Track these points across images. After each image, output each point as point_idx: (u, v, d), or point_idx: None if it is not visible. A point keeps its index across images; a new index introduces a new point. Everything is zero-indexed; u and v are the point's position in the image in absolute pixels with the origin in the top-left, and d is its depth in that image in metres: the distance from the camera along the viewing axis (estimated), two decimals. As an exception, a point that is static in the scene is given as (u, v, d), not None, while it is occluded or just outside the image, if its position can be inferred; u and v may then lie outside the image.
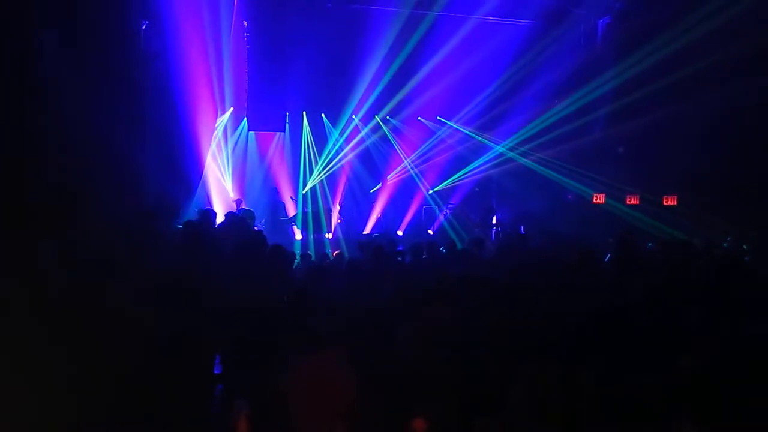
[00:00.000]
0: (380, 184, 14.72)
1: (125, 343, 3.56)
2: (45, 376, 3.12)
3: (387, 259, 7.42)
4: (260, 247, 5.94)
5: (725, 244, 9.34)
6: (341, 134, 14.39)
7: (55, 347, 3.23)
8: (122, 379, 3.40)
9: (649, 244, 8.72)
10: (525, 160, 14.32)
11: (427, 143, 15.04)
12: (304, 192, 14.09)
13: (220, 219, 8.68)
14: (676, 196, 13.41)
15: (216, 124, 12.24)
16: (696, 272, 6.42)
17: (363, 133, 14.65)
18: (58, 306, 3.44)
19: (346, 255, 8.70)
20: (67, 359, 3.23)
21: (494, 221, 14.19)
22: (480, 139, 14.83)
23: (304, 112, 14.17)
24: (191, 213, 8.67)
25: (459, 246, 10.04)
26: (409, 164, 14.82)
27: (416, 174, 14.81)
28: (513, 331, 4.29)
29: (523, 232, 12.82)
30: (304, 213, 13.02)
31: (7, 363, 3.02)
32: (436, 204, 14.74)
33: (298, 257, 8.40)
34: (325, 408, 3.66)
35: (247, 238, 6.42)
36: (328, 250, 10.80)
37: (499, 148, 14.57)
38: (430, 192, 14.88)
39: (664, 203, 13.47)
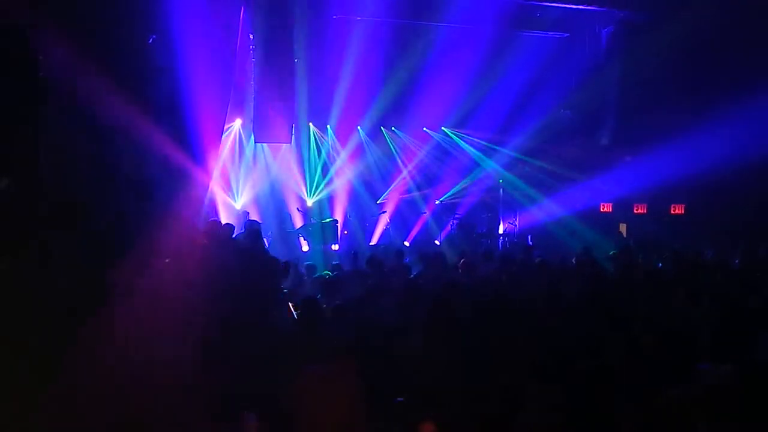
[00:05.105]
0: (386, 193, 14.73)
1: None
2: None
3: (392, 272, 7.42)
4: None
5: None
6: (346, 145, 14.42)
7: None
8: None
9: (659, 264, 8.67)
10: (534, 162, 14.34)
11: (432, 154, 15.08)
12: (310, 203, 14.09)
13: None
14: (684, 205, 13.35)
15: (223, 137, 12.26)
16: (708, 285, 6.40)
17: (367, 144, 14.70)
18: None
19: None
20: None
21: (501, 232, 14.16)
22: (480, 158, 14.89)
23: (310, 124, 14.22)
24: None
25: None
26: (411, 178, 14.85)
27: (420, 195, 14.83)
28: (523, 346, 4.27)
29: (530, 242, 12.78)
30: (311, 224, 13.01)
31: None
32: (442, 215, 14.71)
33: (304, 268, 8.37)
34: (333, 420, 3.62)
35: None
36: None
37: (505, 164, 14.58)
38: (437, 202, 14.87)
39: (672, 212, 13.42)
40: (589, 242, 10.92)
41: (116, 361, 3.47)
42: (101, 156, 6.05)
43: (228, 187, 13.31)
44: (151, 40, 8.19)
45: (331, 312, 5.09)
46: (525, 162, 14.49)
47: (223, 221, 10.13)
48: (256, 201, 13.55)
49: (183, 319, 4.19)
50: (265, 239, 9.89)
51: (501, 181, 14.45)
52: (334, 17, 12.65)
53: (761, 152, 10.90)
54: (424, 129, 14.97)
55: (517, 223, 14.31)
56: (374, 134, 14.80)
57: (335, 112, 13.95)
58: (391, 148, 14.96)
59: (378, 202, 14.72)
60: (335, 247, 12.67)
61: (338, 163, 14.42)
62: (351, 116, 14.02)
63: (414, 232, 14.23)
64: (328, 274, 7.31)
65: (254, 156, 13.86)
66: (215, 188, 12.08)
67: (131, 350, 3.58)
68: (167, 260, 6.32)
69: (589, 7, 12.81)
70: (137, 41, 7.64)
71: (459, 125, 14.89)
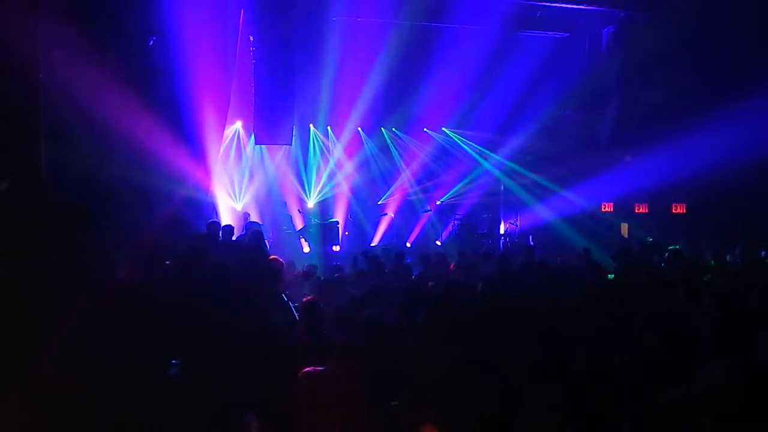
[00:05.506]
0: (387, 194, 14.72)
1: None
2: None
3: (393, 273, 7.42)
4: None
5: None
6: (347, 146, 14.42)
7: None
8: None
9: (662, 264, 8.65)
10: (532, 174, 14.32)
11: (432, 155, 15.09)
12: (311, 205, 14.09)
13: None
14: (685, 204, 13.34)
15: (223, 139, 12.27)
16: (708, 285, 6.39)
17: (368, 145, 14.71)
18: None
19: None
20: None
21: (502, 232, 14.16)
22: (480, 158, 14.88)
23: (311, 125, 14.22)
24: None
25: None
26: (412, 179, 14.84)
27: (421, 196, 14.84)
28: (523, 346, 4.26)
29: (531, 242, 12.77)
30: (310, 225, 13.01)
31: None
32: (443, 215, 14.71)
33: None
34: (333, 420, 3.62)
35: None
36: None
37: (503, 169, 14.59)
38: (438, 202, 14.87)
39: (674, 211, 13.40)
40: (588, 243, 10.90)
41: (115, 360, 3.47)
42: (101, 157, 6.06)
43: (228, 189, 13.31)
44: (151, 42, 8.20)
45: (332, 313, 5.09)
46: (523, 175, 14.46)
47: (224, 223, 10.14)
48: (257, 202, 13.55)
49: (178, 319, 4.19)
50: (266, 240, 9.89)
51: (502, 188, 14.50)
52: (334, 18, 12.65)
53: (761, 152, 10.88)
54: (425, 130, 14.98)
55: (518, 223, 14.31)
56: (374, 135, 14.81)
57: (336, 114, 13.96)
58: (391, 149, 14.96)
59: (379, 203, 14.73)
60: (336, 248, 12.66)
61: (338, 164, 14.41)
62: (351, 117, 14.02)
63: (415, 233, 14.23)
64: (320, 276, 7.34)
65: (255, 157, 13.86)
66: (216, 190, 12.07)
67: (130, 349, 3.58)
68: (167, 262, 6.34)
69: (589, 7, 12.80)
70: (138, 43, 7.65)
71: (459, 126, 14.88)
